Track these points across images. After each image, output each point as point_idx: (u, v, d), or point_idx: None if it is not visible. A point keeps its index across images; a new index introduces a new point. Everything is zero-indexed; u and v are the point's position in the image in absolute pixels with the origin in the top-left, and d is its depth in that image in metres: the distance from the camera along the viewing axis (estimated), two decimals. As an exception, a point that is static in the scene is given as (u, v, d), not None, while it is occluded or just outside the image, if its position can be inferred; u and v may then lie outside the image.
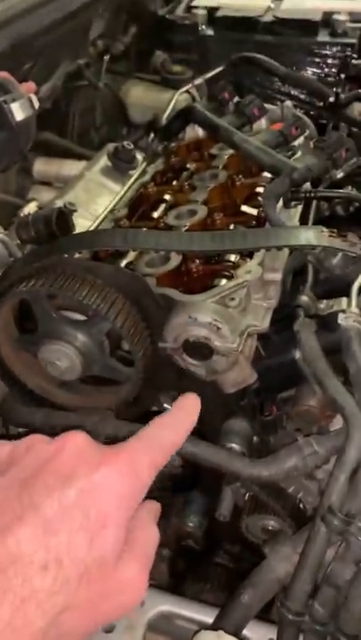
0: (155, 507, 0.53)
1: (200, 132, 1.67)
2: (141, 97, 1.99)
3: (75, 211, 1.27)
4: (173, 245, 0.97)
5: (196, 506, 1.26)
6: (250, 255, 1.08)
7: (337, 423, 1.05)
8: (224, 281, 1.06)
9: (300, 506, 1.16)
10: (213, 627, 0.90)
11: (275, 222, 1.04)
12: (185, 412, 0.56)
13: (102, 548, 0.45)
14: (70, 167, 1.74)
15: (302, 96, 1.90)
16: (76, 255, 1.06)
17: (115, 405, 1.09)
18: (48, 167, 1.79)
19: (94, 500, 0.45)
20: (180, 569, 1.48)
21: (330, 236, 0.93)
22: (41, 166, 1.80)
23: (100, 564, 0.44)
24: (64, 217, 1.19)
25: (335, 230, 0.94)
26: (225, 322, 0.94)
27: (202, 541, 1.42)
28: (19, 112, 0.91)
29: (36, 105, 1.00)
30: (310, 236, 0.94)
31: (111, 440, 1.18)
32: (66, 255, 0.97)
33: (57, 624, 0.42)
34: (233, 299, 0.97)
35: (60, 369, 1.00)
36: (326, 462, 0.94)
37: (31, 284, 0.95)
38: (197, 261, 1.10)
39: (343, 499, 0.81)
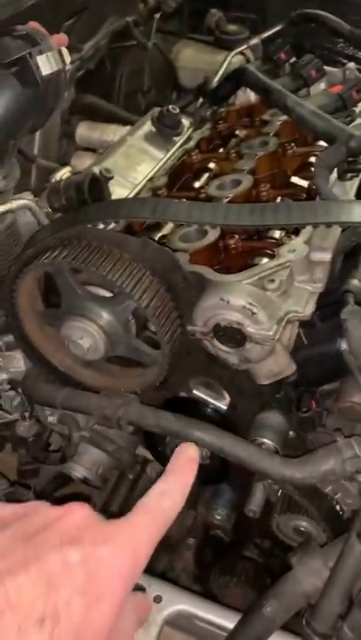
0: (140, 598, 0.53)
1: (252, 96, 1.54)
2: (193, 59, 1.86)
3: (111, 178, 1.19)
4: (206, 218, 0.87)
5: (224, 499, 1.19)
6: (296, 232, 0.97)
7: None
8: (265, 260, 0.96)
9: (338, 508, 1.07)
10: (233, 636, 0.83)
11: (326, 195, 0.92)
12: (182, 472, 0.55)
13: (97, 619, 0.44)
14: (114, 132, 1.65)
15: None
16: (109, 226, 0.99)
17: (140, 389, 1.02)
18: (91, 132, 1.71)
19: (97, 570, 0.44)
20: (207, 559, 1.42)
21: (388, 213, 0.81)
22: (84, 131, 1.71)
23: (92, 635, 0.43)
24: (98, 184, 1.11)
25: (394, 207, 0.82)
26: (261, 306, 0.84)
27: (231, 533, 1.36)
28: (46, 66, 0.83)
29: (68, 59, 0.91)
30: (365, 212, 0.82)
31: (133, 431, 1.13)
32: (92, 225, 0.89)
33: None
34: (272, 280, 0.87)
35: (82, 348, 0.93)
36: (369, 468, 0.84)
37: (54, 255, 0.88)
38: (237, 237, 1.00)
39: (384, 514, 0.71)
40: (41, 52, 0.83)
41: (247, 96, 1.54)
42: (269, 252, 0.98)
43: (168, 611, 0.94)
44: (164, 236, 1.06)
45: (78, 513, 0.47)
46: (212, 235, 1.00)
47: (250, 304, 0.84)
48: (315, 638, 0.74)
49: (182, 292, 0.91)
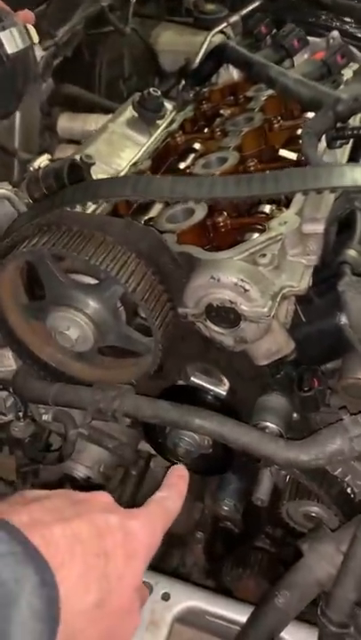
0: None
1: (235, 74, 1.50)
2: (173, 42, 1.81)
3: (92, 164, 1.14)
4: (191, 193, 0.83)
5: (230, 489, 1.14)
6: (287, 205, 0.93)
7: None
8: (256, 235, 0.91)
9: (348, 491, 1.02)
10: (245, 630, 0.79)
11: (315, 163, 0.87)
12: (176, 484, 0.65)
13: (131, 572, 0.52)
14: (96, 122, 1.60)
15: (353, 30, 1.68)
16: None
17: (135, 380, 0.98)
18: (73, 123, 1.66)
19: (130, 535, 0.53)
20: (219, 553, 1.38)
21: (381, 174, 0.76)
22: (65, 122, 1.67)
23: (127, 583, 0.51)
24: (78, 170, 1.06)
25: (388, 168, 0.77)
26: (254, 282, 0.80)
27: (240, 524, 1.32)
28: (10, 43, 0.79)
29: (35, 38, 0.87)
30: (358, 175, 0.78)
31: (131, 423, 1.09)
32: (72, 209, 0.85)
33: (99, 608, 0.49)
34: (264, 255, 0.83)
35: (70, 339, 0.89)
36: (378, 445, 0.79)
37: (33, 243, 0.84)
38: (225, 214, 0.95)
39: None
40: (4, 29, 0.79)
41: (230, 74, 1.50)
42: (260, 227, 0.93)
43: (177, 608, 0.89)
44: (150, 219, 1.01)
45: (105, 496, 0.56)
46: (200, 213, 0.95)
47: (242, 280, 0.79)
48: (331, 628, 0.69)
49: (171, 273, 0.87)
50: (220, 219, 0.95)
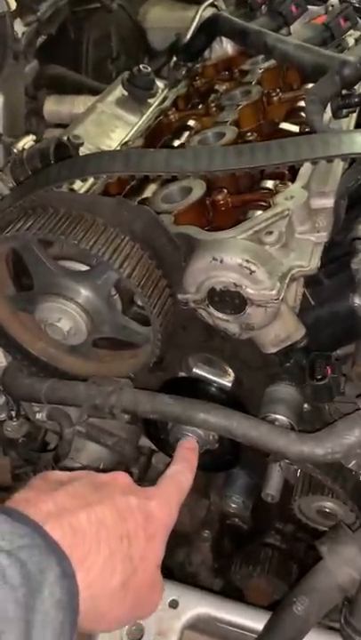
0: None
1: (229, 48, 1.42)
2: (162, 18, 1.73)
3: (80, 144, 1.07)
4: (188, 165, 0.75)
5: (238, 485, 1.08)
6: (293, 179, 0.86)
7: None
8: (260, 213, 0.84)
9: (365, 484, 0.96)
10: (261, 641, 0.73)
11: (322, 131, 0.80)
12: (186, 458, 0.71)
13: (152, 551, 0.56)
14: (85, 104, 1.52)
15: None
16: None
17: (133, 373, 0.91)
18: (60, 106, 1.59)
19: (150, 516, 0.57)
20: (227, 550, 1.32)
21: (396, 140, 0.69)
22: (52, 106, 1.59)
23: (149, 561, 0.56)
24: (65, 150, 0.99)
25: None
26: (260, 263, 0.73)
27: (249, 521, 1.26)
28: (-17, 6, 0.71)
29: (13, 5, 0.79)
30: (370, 141, 0.71)
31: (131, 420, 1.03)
32: (58, 189, 0.78)
33: (125, 588, 0.52)
34: (270, 233, 0.76)
35: (61, 331, 0.82)
36: None
37: (17, 227, 0.77)
38: (225, 191, 0.88)
39: None
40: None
41: (224, 49, 1.42)
42: (264, 204, 0.86)
43: (187, 616, 0.83)
44: (145, 200, 0.94)
45: (124, 477, 0.59)
46: (198, 191, 0.88)
47: (247, 261, 0.72)
48: (356, 638, 0.63)
49: (169, 256, 0.80)
50: (220, 196, 0.88)
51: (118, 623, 0.55)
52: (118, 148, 1.06)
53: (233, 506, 1.08)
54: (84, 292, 0.80)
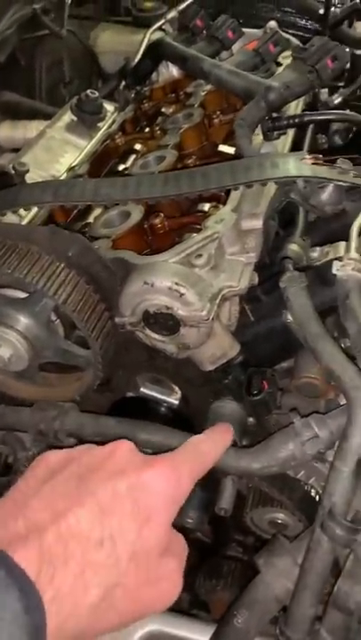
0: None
1: (175, 71, 1.46)
2: (113, 42, 1.77)
3: (25, 171, 1.09)
4: (116, 195, 0.78)
5: (193, 499, 1.09)
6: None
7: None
8: (193, 236, 0.87)
9: (313, 494, 0.98)
10: (205, 655, 0.74)
11: (248, 155, 0.83)
12: (219, 431, 0.63)
13: (149, 538, 0.49)
14: (39, 129, 1.54)
15: (294, 19, 1.65)
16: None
17: (80, 395, 0.92)
18: (14, 132, 1.61)
19: (142, 494, 0.50)
20: (191, 564, 1.33)
21: (313, 163, 0.72)
22: (6, 131, 1.61)
23: (146, 552, 0.49)
24: (6, 179, 1.01)
25: (320, 156, 0.73)
26: (189, 285, 0.75)
27: (210, 534, 1.27)
28: None
29: None
30: (288, 165, 0.74)
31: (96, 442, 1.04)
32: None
33: (108, 598, 0.47)
34: (200, 255, 0.78)
35: (2, 358, 0.83)
36: (331, 447, 0.75)
37: None
38: (162, 215, 0.91)
39: (348, 498, 0.63)
40: None
41: (170, 72, 1.46)
42: (199, 226, 0.89)
43: (138, 634, 0.84)
44: (86, 225, 0.97)
45: (121, 449, 0.53)
46: (136, 216, 0.91)
47: (176, 284, 0.75)
48: (291, 648, 0.65)
49: (106, 281, 0.82)
50: (157, 220, 0.90)
51: (112, 630, 0.50)
52: (54, 178, 1.07)
53: (189, 521, 1.09)
54: (23, 319, 0.82)
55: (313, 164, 0.73)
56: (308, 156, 0.75)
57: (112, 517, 0.47)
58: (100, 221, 0.93)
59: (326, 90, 1.26)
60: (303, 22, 1.65)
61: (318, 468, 0.98)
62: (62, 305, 0.77)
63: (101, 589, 0.46)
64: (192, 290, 0.75)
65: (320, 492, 0.99)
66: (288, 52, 1.13)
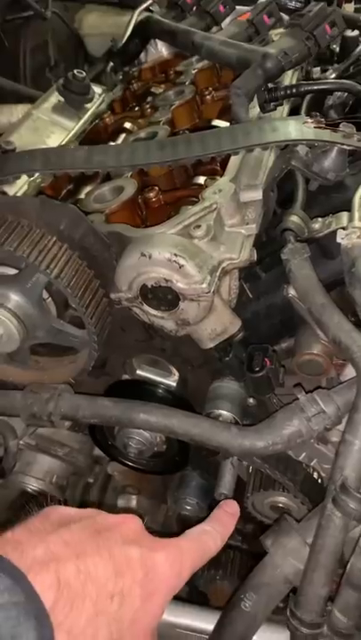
0: None
1: (164, 51, 1.43)
2: (98, 24, 1.73)
3: (12, 149, 1.05)
4: (109, 162, 0.74)
5: (191, 486, 1.07)
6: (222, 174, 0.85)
7: (351, 372, 0.84)
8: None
9: (315, 476, 0.96)
10: (211, 642, 0.71)
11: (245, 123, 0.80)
12: (223, 521, 0.61)
13: (149, 612, 0.49)
14: (23, 112, 1.50)
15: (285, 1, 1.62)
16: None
17: (74, 378, 0.89)
18: (-1, 116, 1.56)
19: (151, 571, 0.50)
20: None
21: (316, 127, 0.70)
22: (-10, 115, 1.56)
23: (143, 624, 0.48)
24: (-8, 156, 0.97)
25: (322, 119, 0.70)
26: (189, 256, 0.72)
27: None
28: None
29: None
30: (290, 129, 0.71)
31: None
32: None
33: None
34: (199, 226, 0.75)
35: (-8, 339, 0.79)
36: (338, 423, 0.73)
37: None
38: (157, 189, 0.87)
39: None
40: None
41: (159, 52, 1.42)
42: (196, 199, 0.85)
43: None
44: (77, 201, 0.93)
45: (133, 523, 0.53)
46: (129, 190, 0.87)
47: (175, 255, 0.71)
48: (302, 630, 0.62)
49: (100, 256, 0.79)
50: (152, 194, 0.87)
51: None
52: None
53: (187, 508, 1.06)
54: (14, 297, 0.78)
55: (316, 127, 0.70)
56: (310, 120, 0.72)
57: (124, 578, 0.47)
58: (92, 196, 0.89)
59: (318, 69, 1.23)
60: (293, 3, 1.61)
61: (320, 449, 0.96)
62: (55, 280, 0.73)
63: (106, 638, 0.45)
64: (192, 261, 0.72)
65: (322, 474, 0.97)
66: (281, 30, 1.10)
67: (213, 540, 0.57)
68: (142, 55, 1.45)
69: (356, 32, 1.23)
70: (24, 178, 0.92)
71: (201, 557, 0.55)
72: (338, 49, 1.27)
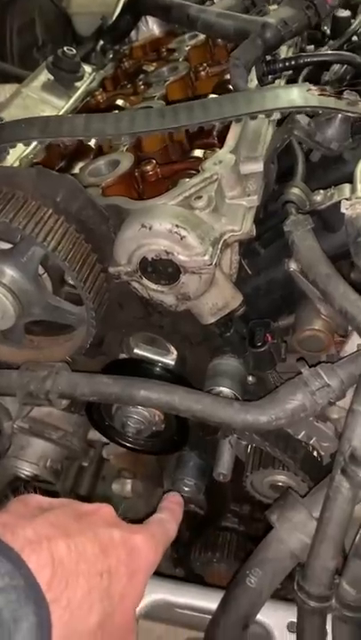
0: None
1: (156, 28, 1.40)
2: (87, 3, 1.70)
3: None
4: (109, 129, 0.72)
5: (189, 467, 1.05)
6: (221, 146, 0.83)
7: (351, 348, 0.83)
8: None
9: (315, 454, 0.95)
10: (216, 619, 0.70)
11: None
12: (172, 508, 0.65)
13: (133, 590, 0.52)
14: (11, 92, 1.47)
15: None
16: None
17: (70, 356, 0.87)
18: (-15, 95, 1.52)
19: (133, 551, 0.53)
20: (185, 538, 1.29)
21: (320, 94, 0.68)
22: (-23, 95, 1.52)
23: (127, 603, 0.51)
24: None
25: (326, 87, 0.69)
26: (190, 227, 0.70)
27: (205, 504, 1.23)
28: None
29: None
30: (294, 95, 0.69)
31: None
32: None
33: (103, 628, 0.48)
34: (200, 197, 0.73)
35: (-14, 315, 0.77)
36: (342, 397, 0.72)
37: None
38: (154, 162, 0.86)
39: (369, 442, 0.59)
40: None
41: (150, 30, 1.40)
42: (194, 172, 0.83)
43: (142, 604, 0.79)
44: (73, 175, 0.90)
45: (107, 510, 0.56)
46: (126, 163, 0.85)
47: (176, 226, 0.69)
48: (310, 603, 0.62)
49: (98, 229, 0.77)
50: (149, 167, 0.85)
51: None
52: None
53: (185, 489, 1.05)
54: (9, 272, 0.75)
55: (320, 94, 0.69)
56: (313, 87, 0.70)
57: (110, 558, 0.50)
58: (87, 170, 0.87)
59: (313, 46, 1.22)
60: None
61: (319, 427, 0.96)
62: (52, 253, 0.71)
63: (100, 617, 0.47)
64: (193, 232, 0.70)
65: (321, 452, 0.97)
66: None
67: (171, 526, 0.62)
68: (133, 34, 1.42)
69: (347, 12, 1.22)
70: (16, 154, 0.90)
71: (167, 540, 0.60)
72: (329, 30, 1.25)
